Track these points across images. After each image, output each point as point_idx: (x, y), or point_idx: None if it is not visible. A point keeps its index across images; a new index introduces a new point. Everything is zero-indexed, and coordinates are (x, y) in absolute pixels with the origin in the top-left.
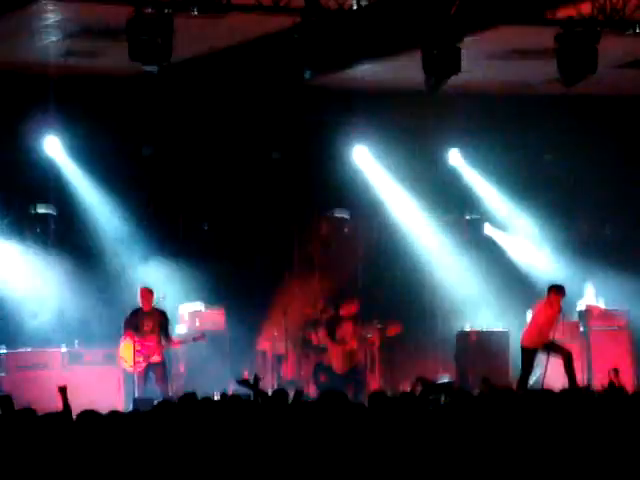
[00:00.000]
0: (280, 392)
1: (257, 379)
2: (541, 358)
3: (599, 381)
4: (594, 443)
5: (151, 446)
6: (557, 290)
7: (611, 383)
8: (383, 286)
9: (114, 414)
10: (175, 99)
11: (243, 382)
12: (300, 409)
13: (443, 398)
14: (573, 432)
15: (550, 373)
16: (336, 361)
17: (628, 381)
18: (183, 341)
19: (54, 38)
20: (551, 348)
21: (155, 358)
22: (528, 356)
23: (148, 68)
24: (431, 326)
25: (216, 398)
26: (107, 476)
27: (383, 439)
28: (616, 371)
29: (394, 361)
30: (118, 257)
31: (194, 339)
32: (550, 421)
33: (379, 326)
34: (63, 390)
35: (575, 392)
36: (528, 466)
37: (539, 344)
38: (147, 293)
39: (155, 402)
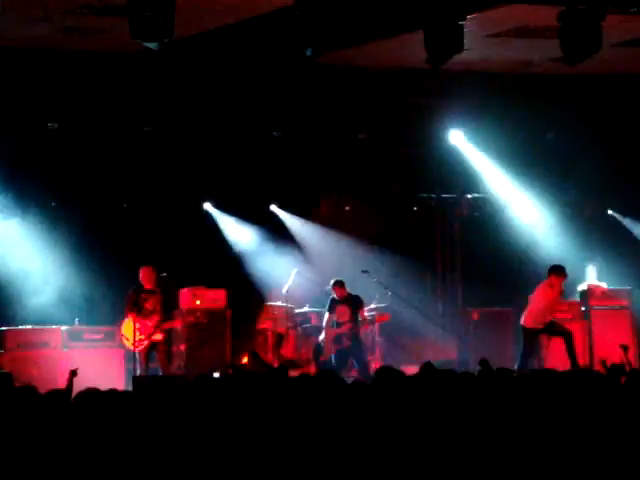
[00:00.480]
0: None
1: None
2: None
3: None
4: (598, 425)
5: (151, 425)
6: (558, 271)
7: (613, 366)
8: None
9: (113, 393)
10: (177, 77)
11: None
12: (297, 387)
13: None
14: (576, 414)
15: (552, 354)
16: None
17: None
18: (177, 323)
19: (54, 14)
20: (551, 329)
21: (157, 337)
22: (529, 337)
23: (149, 45)
24: (434, 306)
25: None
26: (107, 454)
27: (380, 419)
28: (625, 348)
29: (395, 343)
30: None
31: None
32: (551, 402)
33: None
34: (73, 373)
35: (578, 373)
36: (528, 448)
37: (540, 325)
38: (149, 271)
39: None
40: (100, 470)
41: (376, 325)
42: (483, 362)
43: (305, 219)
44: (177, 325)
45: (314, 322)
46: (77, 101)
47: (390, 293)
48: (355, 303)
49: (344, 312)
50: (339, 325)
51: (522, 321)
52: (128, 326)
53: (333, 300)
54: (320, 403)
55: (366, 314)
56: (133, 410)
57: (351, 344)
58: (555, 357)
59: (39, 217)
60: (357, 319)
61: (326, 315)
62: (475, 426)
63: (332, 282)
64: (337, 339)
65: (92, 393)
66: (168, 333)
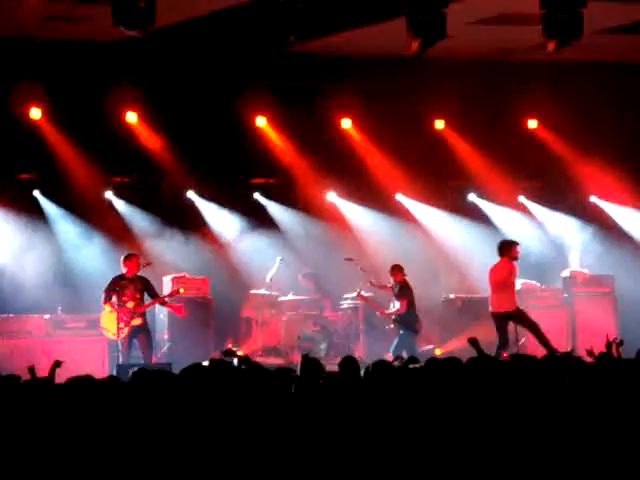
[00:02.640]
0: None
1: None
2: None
3: (584, 347)
4: (580, 410)
5: (135, 413)
6: (509, 246)
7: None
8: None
9: (96, 380)
10: (159, 64)
11: (228, 353)
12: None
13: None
14: (561, 399)
15: (533, 340)
16: None
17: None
18: (157, 300)
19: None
20: (517, 317)
21: (136, 322)
22: (499, 322)
23: (131, 33)
24: (416, 293)
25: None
26: (89, 443)
27: (368, 407)
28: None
29: (378, 330)
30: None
31: (169, 295)
32: (535, 388)
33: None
34: (57, 364)
35: (560, 358)
36: (512, 433)
37: (507, 307)
38: (131, 259)
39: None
40: (83, 458)
41: (360, 314)
42: (472, 341)
43: (288, 206)
44: (149, 305)
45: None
46: (60, 89)
47: (373, 280)
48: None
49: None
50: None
51: (490, 308)
52: (106, 318)
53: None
54: (302, 393)
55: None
56: (117, 398)
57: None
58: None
59: (21, 205)
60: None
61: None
62: (466, 412)
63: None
64: None
65: (75, 381)
66: (150, 320)
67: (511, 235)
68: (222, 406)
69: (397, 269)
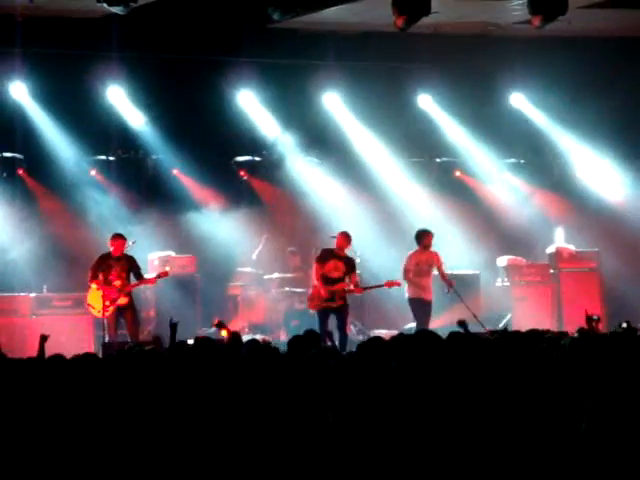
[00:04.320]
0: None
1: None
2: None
3: (570, 323)
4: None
5: (122, 391)
6: (425, 234)
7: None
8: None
9: (83, 358)
10: (142, 41)
11: (221, 324)
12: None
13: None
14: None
15: (519, 316)
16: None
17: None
18: (144, 281)
19: None
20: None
21: (122, 300)
22: (414, 305)
23: (115, 9)
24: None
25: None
26: (78, 421)
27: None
28: (595, 319)
29: (363, 309)
30: (87, 202)
31: (157, 276)
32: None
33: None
34: (44, 338)
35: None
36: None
37: (423, 295)
38: (118, 239)
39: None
40: (69, 436)
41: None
42: (461, 323)
43: (273, 183)
44: (136, 286)
45: None
46: (42, 66)
47: (360, 259)
48: (351, 263)
49: (339, 267)
50: (332, 282)
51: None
52: (92, 295)
53: (329, 251)
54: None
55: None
56: (102, 376)
57: (342, 305)
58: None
59: (5, 184)
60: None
61: (314, 265)
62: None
63: (339, 232)
64: (331, 297)
65: (60, 358)
66: (136, 298)
67: (496, 211)
68: (209, 385)
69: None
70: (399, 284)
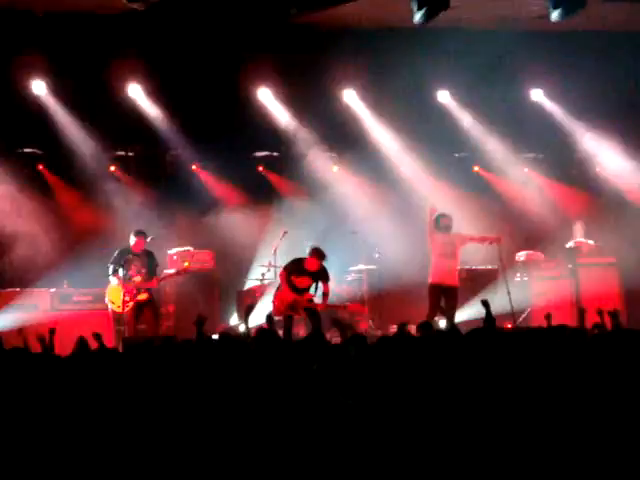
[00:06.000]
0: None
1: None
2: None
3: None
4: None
5: (141, 386)
6: (442, 218)
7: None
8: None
9: (104, 352)
10: (161, 37)
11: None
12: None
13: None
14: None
15: (537, 311)
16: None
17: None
18: (165, 277)
19: None
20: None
21: (142, 297)
22: (432, 292)
23: (134, 5)
24: (420, 265)
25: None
26: (95, 414)
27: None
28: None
29: (383, 304)
30: (106, 198)
31: (177, 273)
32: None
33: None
34: (52, 332)
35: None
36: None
37: (445, 280)
38: (140, 236)
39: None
40: (88, 427)
41: (364, 286)
42: (485, 302)
43: (292, 179)
44: (154, 285)
45: None
46: (63, 62)
47: (378, 254)
48: (321, 274)
49: (306, 282)
50: (298, 291)
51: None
52: (113, 290)
53: (300, 266)
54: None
55: (349, 278)
56: (122, 370)
57: (308, 316)
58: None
59: (25, 179)
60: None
61: (285, 274)
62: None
63: (312, 248)
64: (292, 306)
65: (83, 352)
66: (156, 294)
67: (515, 206)
68: (234, 379)
69: None
70: (362, 307)
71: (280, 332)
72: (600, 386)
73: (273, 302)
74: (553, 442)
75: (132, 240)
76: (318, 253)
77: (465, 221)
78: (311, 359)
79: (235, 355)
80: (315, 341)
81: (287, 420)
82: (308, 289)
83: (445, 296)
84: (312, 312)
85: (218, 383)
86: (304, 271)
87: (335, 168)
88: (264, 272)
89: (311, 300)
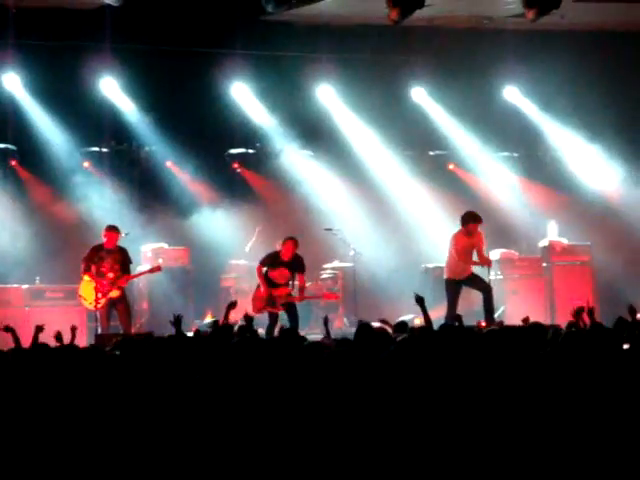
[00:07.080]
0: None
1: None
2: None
3: (562, 316)
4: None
5: (114, 383)
6: (474, 218)
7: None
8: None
9: (71, 349)
10: (136, 33)
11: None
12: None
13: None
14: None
15: (511, 309)
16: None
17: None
18: (138, 274)
19: None
20: (471, 281)
21: (114, 293)
22: (451, 288)
23: (108, 1)
24: (396, 263)
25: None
26: (69, 411)
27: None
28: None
29: (356, 301)
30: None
31: (150, 270)
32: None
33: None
34: (39, 329)
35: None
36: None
37: (460, 275)
38: (112, 231)
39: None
40: (62, 425)
41: (339, 283)
42: (456, 318)
43: (266, 176)
44: (125, 283)
45: None
46: (35, 57)
47: (354, 252)
48: (297, 264)
49: (284, 274)
50: (276, 286)
51: (444, 273)
52: (85, 286)
53: (275, 258)
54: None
55: (325, 276)
56: (93, 367)
57: (285, 311)
58: (515, 312)
59: (0, 174)
60: (293, 283)
61: (261, 268)
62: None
63: (286, 238)
64: (272, 302)
65: (50, 349)
66: (129, 291)
67: (489, 204)
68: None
69: None
70: (337, 297)
71: (260, 330)
72: (581, 383)
73: (252, 300)
74: (538, 440)
75: (103, 235)
76: (292, 239)
77: (439, 219)
78: (286, 356)
79: (219, 352)
80: (289, 338)
81: (271, 417)
82: (286, 284)
83: (468, 285)
84: (290, 307)
85: (201, 379)
86: (280, 262)
87: (310, 165)
88: (239, 267)
89: (290, 294)
